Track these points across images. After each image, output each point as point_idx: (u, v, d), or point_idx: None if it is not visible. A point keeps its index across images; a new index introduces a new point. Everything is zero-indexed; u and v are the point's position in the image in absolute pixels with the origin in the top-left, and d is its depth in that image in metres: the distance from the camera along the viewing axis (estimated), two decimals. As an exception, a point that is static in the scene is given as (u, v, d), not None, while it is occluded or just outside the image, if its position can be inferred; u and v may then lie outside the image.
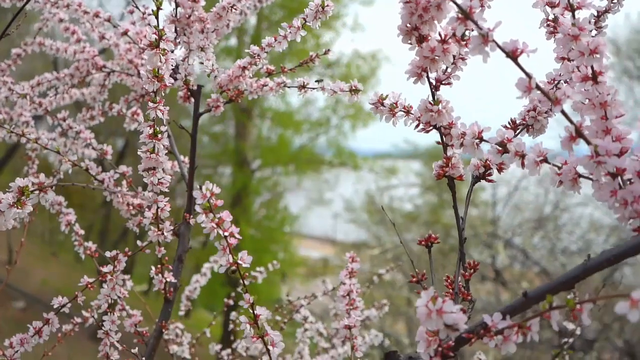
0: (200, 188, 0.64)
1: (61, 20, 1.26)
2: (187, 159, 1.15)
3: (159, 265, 1.00)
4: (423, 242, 0.67)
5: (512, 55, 0.53)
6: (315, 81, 0.96)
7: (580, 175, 0.57)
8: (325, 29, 11.21)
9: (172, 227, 0.94)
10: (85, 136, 1.13)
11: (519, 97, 0.54)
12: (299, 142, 11.88)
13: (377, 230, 9.43)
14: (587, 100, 0.58)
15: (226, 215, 0.66)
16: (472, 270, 0.64)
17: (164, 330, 1.02)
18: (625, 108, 0.58)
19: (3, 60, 1.38)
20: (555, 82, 0.73)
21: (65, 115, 1.15)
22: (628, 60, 8.63)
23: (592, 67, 0.56)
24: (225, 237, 0.65)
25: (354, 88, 0.88)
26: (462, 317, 0.53)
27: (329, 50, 1.03)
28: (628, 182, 0.55)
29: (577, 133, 0.54)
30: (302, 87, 0.98)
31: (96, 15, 1.14)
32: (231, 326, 1.56)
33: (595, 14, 0.74)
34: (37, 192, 0.67)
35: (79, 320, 1.16)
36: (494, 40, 0.53)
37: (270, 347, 0.67)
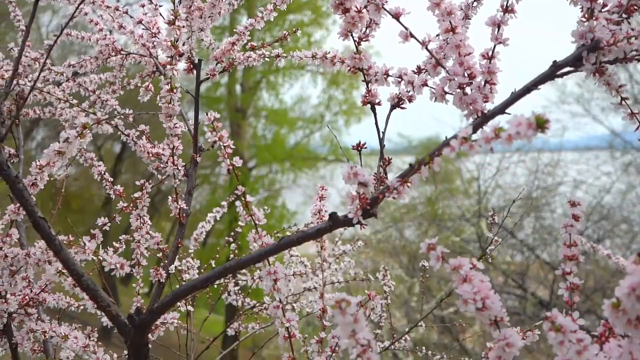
0: (207, 113, 0.97)
1: (86, 14, 1.59)
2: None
3: (174, 195, 1.32)
4: (354, 147, 1.00)
5: (395, 16, 0.86)
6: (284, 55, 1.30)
7: (446, 92, 0.90)
8: (317, 27, 11.56)
9: (184, 164, 1.27)
10: (111, 104, 1.45)
11: (400, 42, 0.87)
12: (293, 139, 12.21)
13: (373, 221, 9.75)
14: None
15: (225, 133, 0.99)
16: (387, 163, 0.97)
17: (179, 246, 1.35)
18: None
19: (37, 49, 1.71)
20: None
21: (95, 87, 1.48)
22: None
23: (450, 23, 0.89)
24: (225, 146, 0.98)
25: (314, 54, 1.20)
26: (370, 178, 0.85)
27: (297, 29, 1.36)
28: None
29: (437, 63, 0.87)
30: (277, 56, 1.31)
31: (116, 9, 1.46)
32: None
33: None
34: (95, 125, 0.99)
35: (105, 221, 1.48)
36: (383, 7, 0.86)
37: (256, 222, 1.00)
